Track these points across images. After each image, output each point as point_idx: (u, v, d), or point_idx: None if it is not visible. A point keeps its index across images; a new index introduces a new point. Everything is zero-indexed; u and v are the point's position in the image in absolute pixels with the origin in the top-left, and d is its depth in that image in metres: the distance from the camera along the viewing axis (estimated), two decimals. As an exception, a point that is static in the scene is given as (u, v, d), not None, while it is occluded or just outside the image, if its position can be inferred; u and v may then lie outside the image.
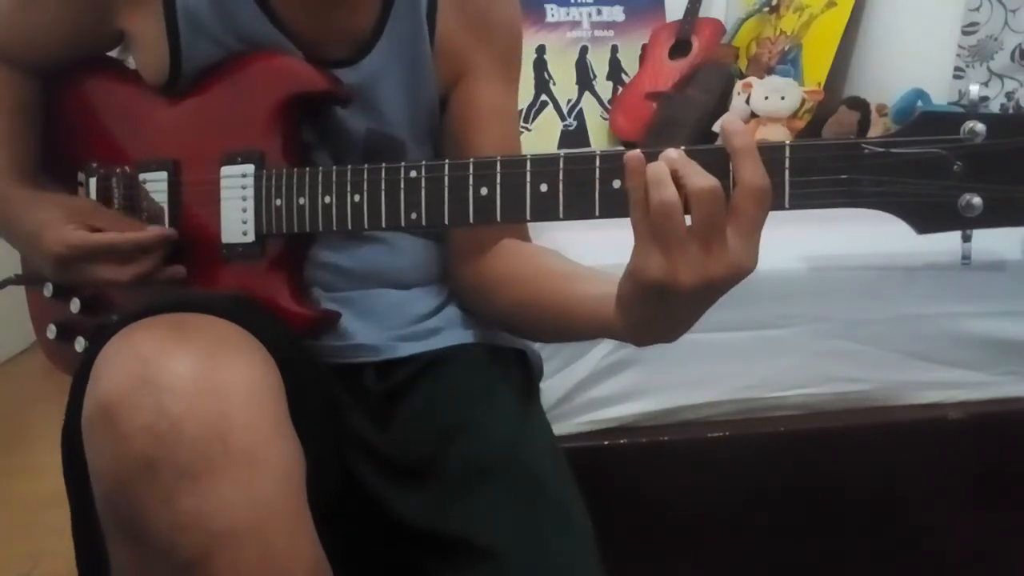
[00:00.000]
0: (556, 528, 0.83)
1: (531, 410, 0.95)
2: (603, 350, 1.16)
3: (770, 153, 0.68)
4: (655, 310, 0.71)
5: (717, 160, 0.68)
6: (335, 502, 0.82)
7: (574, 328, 0.86)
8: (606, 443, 1.15)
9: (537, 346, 1.03)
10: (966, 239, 0.69)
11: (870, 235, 1.27)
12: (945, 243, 1.22)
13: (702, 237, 0.66)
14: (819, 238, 1.20)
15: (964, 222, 0.67)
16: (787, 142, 0.69)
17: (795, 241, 1.21)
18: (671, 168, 0.67)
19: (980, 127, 0.65)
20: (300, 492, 0.69)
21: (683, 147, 0.69)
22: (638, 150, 0.69)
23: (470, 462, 0.86)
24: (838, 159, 0.68)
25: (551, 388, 1.09)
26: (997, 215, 0.66)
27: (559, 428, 1.05)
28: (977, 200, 0.66)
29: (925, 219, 0.68)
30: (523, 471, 0.86)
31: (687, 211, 0.67)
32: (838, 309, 1.19)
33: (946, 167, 0.66)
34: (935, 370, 1.21)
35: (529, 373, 0.99)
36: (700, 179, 0.66)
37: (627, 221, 0.70)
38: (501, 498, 0.84)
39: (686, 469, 1.15)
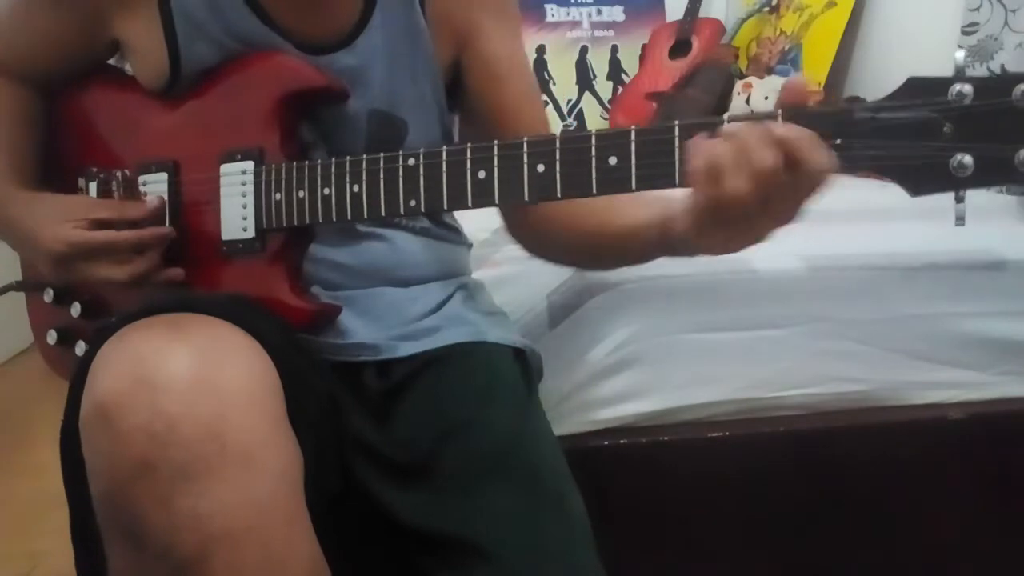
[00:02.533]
0: (553, 518, 0.84)
1: (530, 409, 0.95)
2: (603, 350, 1.15)
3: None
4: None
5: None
6: (334, 501, 0.83)
7: (632, 253, 0.94)
8: (606, 443, 1.15)
9: (538, 345, 1.03)
10: (959, 200, 0.70)
11: (870, 235, 1.26)
12: (944, 243, 1.22)
13: (760, 211, 0.71)
14: (818, 238, 1.20)
15: (957, 182, 0.68)
16: (779, 110, 0.71)
17: (795, 241, 1.20)
18: (736, 148, 0.70)
19: (968, 88, 0.66)
20: (298, 492, 0.69)
21: (739, 118, 0.72)
22: (703, 132, 0.72)
23: (469, 461, 0.86)
24: (831, 124, 0.70)
25: (551, 388, 1.09)
26: (988, 174, 0.67)
27: (559, 428, 1.04)
28: (968, 159, 0.67)
29: (918, 181, 0.69)
30: (522, 469, 0.86)
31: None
32: (838, 309, 1.19)
33: (936, 129, 0.68)
34: (935, 370, 1.20)
35: (528, 372, 0.99)
36: (759, 159, 0.69)
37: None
38: (500, 497, 0.84)
39: (686, 469, 1.15)
